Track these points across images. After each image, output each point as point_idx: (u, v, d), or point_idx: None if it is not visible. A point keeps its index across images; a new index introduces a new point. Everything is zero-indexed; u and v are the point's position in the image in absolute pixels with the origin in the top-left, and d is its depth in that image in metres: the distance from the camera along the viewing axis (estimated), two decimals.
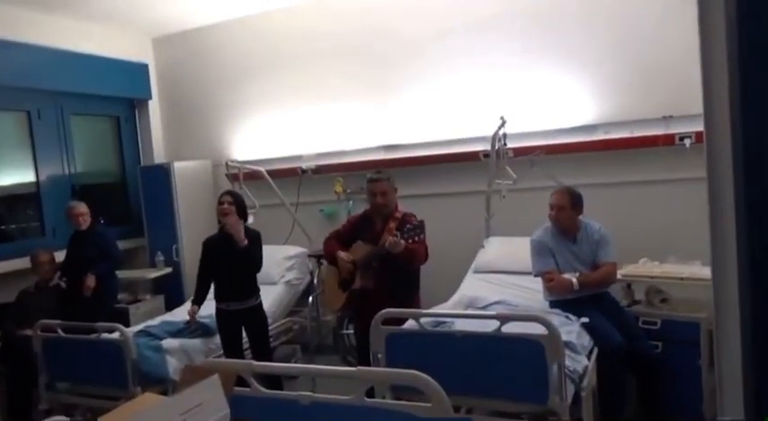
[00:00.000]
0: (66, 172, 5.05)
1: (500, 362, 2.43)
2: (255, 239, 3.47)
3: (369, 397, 1.63)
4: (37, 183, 4.83)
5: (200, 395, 1.42)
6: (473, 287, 3.76)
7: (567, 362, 2.41)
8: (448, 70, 4.48)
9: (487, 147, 4.09)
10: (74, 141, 5.12)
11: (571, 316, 3.01)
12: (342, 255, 3.35)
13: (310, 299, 4.65)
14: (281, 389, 3.26)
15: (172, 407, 1.37)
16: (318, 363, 4.38)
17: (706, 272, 3.20)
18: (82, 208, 4.25)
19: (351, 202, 4.77)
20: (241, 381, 1.66)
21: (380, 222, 3.35)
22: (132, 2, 4.72)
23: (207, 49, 5.52)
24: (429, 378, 1.50)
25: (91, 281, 4.04)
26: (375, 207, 3.35)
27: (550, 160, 3.96)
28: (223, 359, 1.80)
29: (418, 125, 4.62)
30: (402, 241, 3.02)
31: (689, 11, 3.69)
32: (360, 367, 1.57)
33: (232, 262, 3.36)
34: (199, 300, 3.60)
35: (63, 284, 4.27)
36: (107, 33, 5.29)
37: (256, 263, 3.47)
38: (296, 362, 4.56)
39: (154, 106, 5.78)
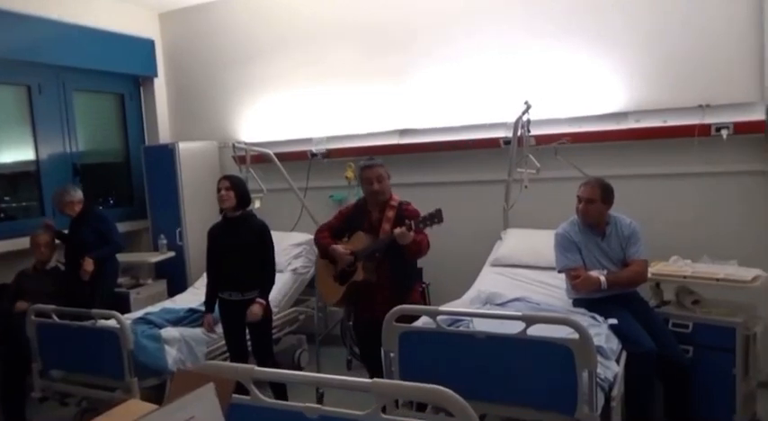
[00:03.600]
0: (68, 150, 4.87)
1: (524, 367, 2.23)
2: (263, 233, 3.29)
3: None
4: (37, 162, 4.65)
5: (192, 406, 1.24)
6: (490, 282, 3.55)
7: (598, 369, 2.20)
8: (468, 51, 4.24)
9: (508, 133, 3.88)
10: (76, 118, 4.94)
11: (598, 317, 2.80)
12: (339, 248, 3.18)
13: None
14: (285, 389, 3.10)
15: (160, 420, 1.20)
16: (324, 355, 4.24)
17: (743, 273, 3.02)
18: (67, 197, 4.03)
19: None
20: (240, 386, 1.48)
21: (377, 212, 3.17)
22: None
23: (216, 25, 5.30)
24: (454, 394, 1.31)
25: (88, 265, 3.87)
26: (372, 194, 3.16)
27: (576, 149, 3.74)
28: (221, 362, 1.65)
29: (435, 109, 4.40)
30: (411, 233, 2.87)
31: None
32: (375, 379, 1.37)
33: (235, 252, 3.17)
34: (210, 304, 3.40)
35: (62, 267, 4.11)
36: (112, 7, 5.09)
37: (270, 270, 3.32)
38: (301, 354, 4.42)
39: (159, 84, 5.58)
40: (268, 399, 1.46)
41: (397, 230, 2.89)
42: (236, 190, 3.27)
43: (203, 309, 3.64)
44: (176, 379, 1.36)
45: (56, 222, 4.25)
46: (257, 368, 1.45)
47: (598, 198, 3.01)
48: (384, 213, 3.12)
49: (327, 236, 3.28)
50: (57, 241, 4.12)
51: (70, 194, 4.05)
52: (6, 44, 4.23)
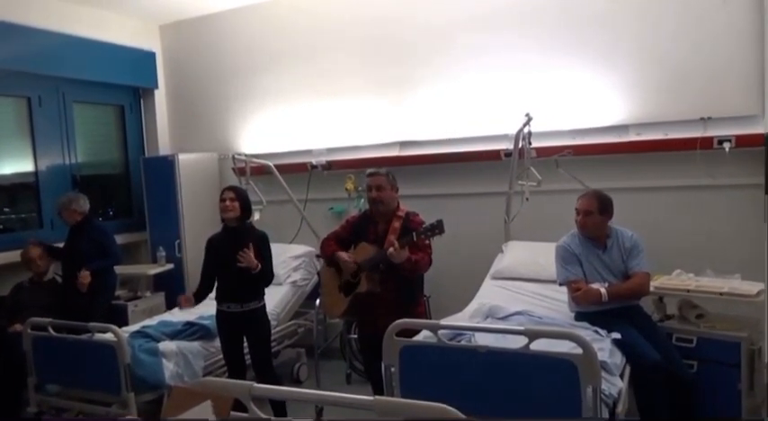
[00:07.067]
0: (67, 162, 4.86)
1: (527, 383, 2.20)
2: (262, 243, 3.26)
3: None
4: (36, 173, 4.64)
5: None
6: (491, 295, 3.52)
7: (603, 385, 2.17)
8: (469, 64, 4.23)
9: (509, 145, 3.86)
10: (75, 130, 4.93)
11: (600, 330, 2.77)
12: (343, 255, 3.17)
13: (317, 301, 4.42)
14: (284, 403, 3.05)
15: None
16: (324, 369, 4.20)
17: (747, 287, 2.99)
18: (74, 205, 4.02)
19: (362, 201, 4.53)
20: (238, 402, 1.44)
21: (383, 222, 3.17)
22: None
23: (216, 37, 5.31)
24: (458, 412, 1.28)
25: (85, 277, 3.85)
26: (371, 202, 3.20)
27: (577, 161, 3.72)
28: (218, 379, 1.62)
29: (436, 121, 4.38)
30: (405, 251, 2.88)
31: (730, 6, 3.46)
32: (377, 397, 1.33)
33: (235, 263, 3.14)
34: (199, 296, 3.37)
35: (59, 279, 4.08)
36: (113, 19, 5.09)
37: (268, 279, 3.29)
38: (300, 367, 4.37)
39: (160, 96, 5.57)
40: (266, 417, 1.43)
41: (390, 249, 2.87)
42: (240, 201, 3.26)
43: (201, 322, 3.62)
44: (173, 396, 1.33)
45: (54, 231, 4.22)
46: (256, 385, 1.42)
47: (596, 210, 3.00)
48: (390, 224, 3.11)
49: (333, 244, 3.28)
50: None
51: (79, 204, 4.04)
52: (7, 55, 4.23)
